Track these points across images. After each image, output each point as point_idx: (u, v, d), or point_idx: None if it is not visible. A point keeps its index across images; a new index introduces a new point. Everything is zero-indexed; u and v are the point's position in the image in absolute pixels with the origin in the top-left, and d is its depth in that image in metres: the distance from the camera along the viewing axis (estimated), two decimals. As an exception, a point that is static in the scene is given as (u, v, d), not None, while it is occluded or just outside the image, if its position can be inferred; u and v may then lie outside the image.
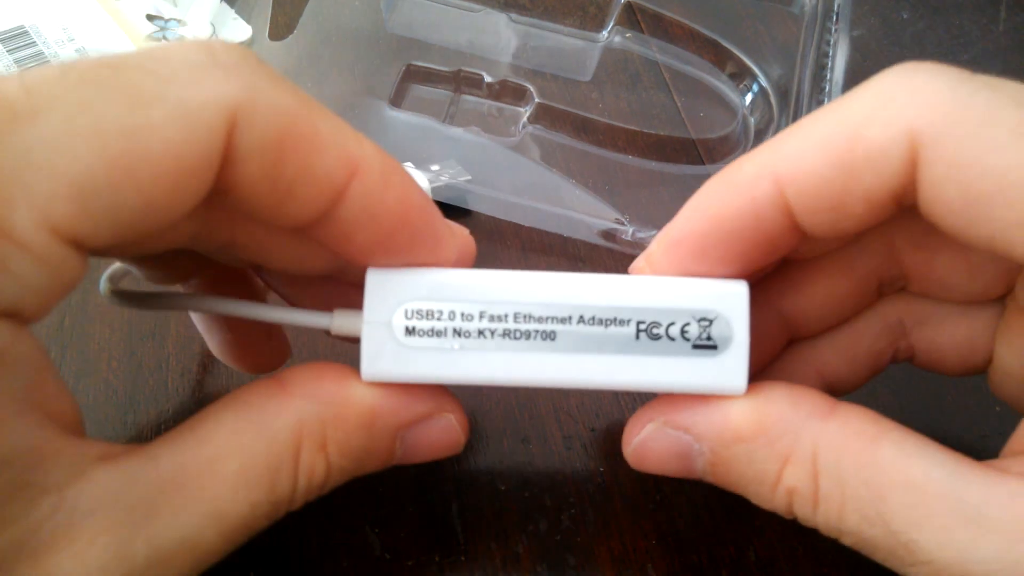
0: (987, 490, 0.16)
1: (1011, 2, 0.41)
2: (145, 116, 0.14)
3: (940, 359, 0.22)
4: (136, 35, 0.35)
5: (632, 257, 0.20)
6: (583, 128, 0.34)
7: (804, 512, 0.18)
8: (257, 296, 0.24)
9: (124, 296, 0.21)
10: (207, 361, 0.26)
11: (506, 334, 0.18)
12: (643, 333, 0.18)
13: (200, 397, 0.25)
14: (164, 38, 0.35)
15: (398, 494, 0.23)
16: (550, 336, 0.18)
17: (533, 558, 0.22)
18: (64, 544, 0.14)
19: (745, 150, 0.34)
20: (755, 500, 0.18)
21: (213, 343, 0.24)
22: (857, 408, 0.18)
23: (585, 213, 0.30)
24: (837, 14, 0.34)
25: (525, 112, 0.34)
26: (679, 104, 0.36)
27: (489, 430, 0.25)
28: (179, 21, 0.36)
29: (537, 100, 0.34)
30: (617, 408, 0.26)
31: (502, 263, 0.30)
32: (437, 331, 0.18)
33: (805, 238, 0.18)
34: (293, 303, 0.23)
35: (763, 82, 0.35)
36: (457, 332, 0.18)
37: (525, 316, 0.18)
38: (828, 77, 0.33)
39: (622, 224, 0.30)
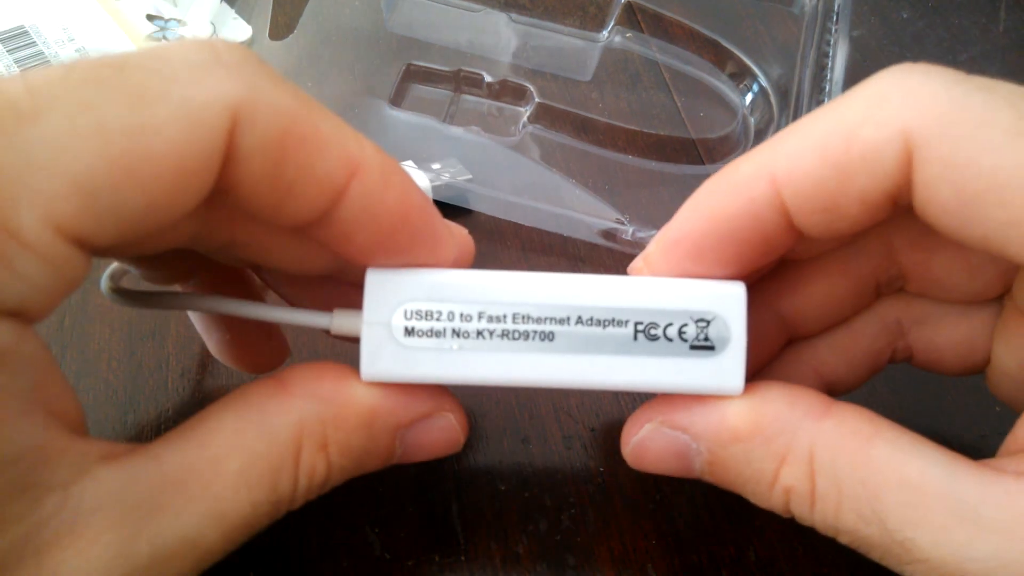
0: (983, 489, 0.16)
1: (1010, 2, 0.41)
2: (148, 115, 0.14)
3: (938, 359, 0.22)
4: (136, 35, 0.35)
5: (632, 257, 0.20)
6: (583, 128, 0.34)
7: (801, 511, 0.18)
8: (255, 296, 0.24)
9: (125, 295, 0.21)
10: (207, 361, 0.26)
11: (505, 335, 0.18)
12: (641, 334, 0.18)
13: (200, 397, 0.25)
14: (164, 38, 0.35)
15: (398, 494, 0.23)
16: (548, 337, 0.18)
17: (533, 558, 0.22)
18: (68, 542, 0.15)
19: (745, 150, 0.34)
20: (752, 499, 0.18)
21: (212, 343, 0.24)
22: (853, 407, 0.18)
23: (585, 213, 0.30)
24: (837, 14, 0.34)
25: (525, 112, 0.34)
26: (679, 104, 0.36)
27: (489, 430, 0.25)
28: (179, 21, 0.36)
29: (537, 100, 0.34)
30: (617, 408, 0.26)
31: (502, 263, 0.30)
32: (436, 331, 0.18)
33: (802, 238, 0.18)
34: (293, 303, 0.23)
35: (763, 82, 0.36)
36: (456, 332, 0.18)
37: (524, 317, 0.18)
38: (828, 77, 0.33)
39: (622, 224, 0.30)
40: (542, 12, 0.37)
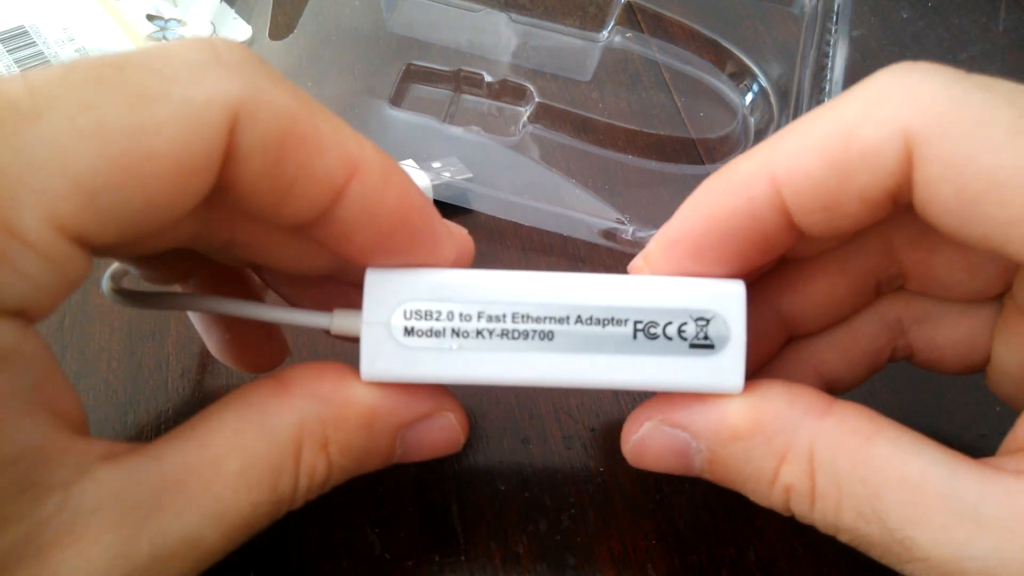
0: (983, 487, 0.16)
1: (1010, 2, 0.41)
2: (148, 115, 0.14)
3: (939, 357, 0.22)
4: (136, 35, 0.35)
5: (632, 257, 0.20)
6: (583, 128, 0.34)
7: (801, 509, 0.18)
8: (255, 296, 0.24)
9: (126, 295, 0.21)
10: (207, 361, 0.26)
11: (504, 334, 0.18)
12: (640, 333, 0.18)
13: (200, 397, 0.25)
14: (164, 38, 0.35)
15: (398, 494, 0.23)
16: (548, 336, 0.18)
17: (533, 558, 0.22)
18: (69, 542, 0.15)
19: (745, 150, 0.34)
20: (752, 497, 0.19)
21: (212, 343, 0.24)
22: (853, 406, 0.18)
23: (585, 213, 0.30)
24: (837, 14, 0.34)
25: (525, 112, 0.34)
26: (679, 104, 0.36)
27: (489, 430, 0.25)
28: (179, 21, 0.36)
29: (537, 100, 0.35)
30: (617, 408, 0.26)
31: (502, 262, 0.30)
32: (436, 331, 0.18)
33: (802, 237, 0.18)
34: (293, 303, 0.23)
35: (763, 82, 0.36)
36: (456, 332, 0.18)
37: (523, 316, 0.18)
38: (828, 77, 0.33)
39: (622, 224, 0.30)
40: (542, 12, 0.37)
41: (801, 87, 0.33)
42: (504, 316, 0.18)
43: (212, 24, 0.36)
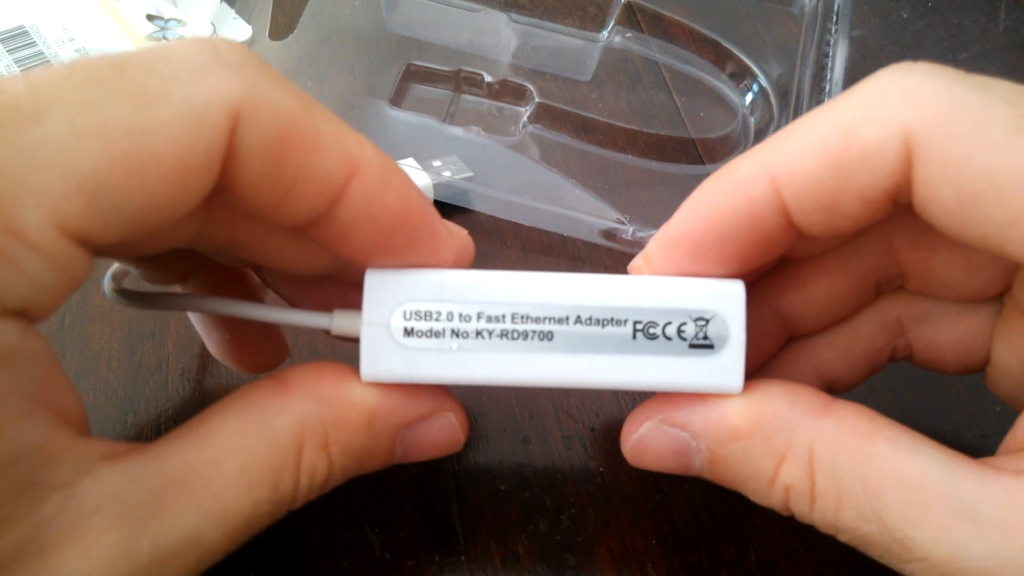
0: (983, 487, 0.16)
1: (1010, 2, 0.41)
2: (150, 115, 0.14)
3: (938, 357, 0.22)
4: (136, 35, 0.35)
5: (632, 257, 0.20)
6: (583, 128, 0.34)
7: (801, 509, 0.18)
8: (255, 296, 0.24)
9: (128, 296, 0.21)
10: (207, 361, 0.26)
11: (504, 335, 0.18)
12: (640, 333, 0.18)
13: (200, 397, 0.25)
14: (164, 38, 0.35)
15: (398, 494, 0.23)
16: (547, 336, 0.18)
17: (533, 558, 0.22)
18: (70, 541, 0.15)
19: (745, 150, 0.34)
20: (752, 497, 0.19)
21: (212, 343, 0.24)
22: (853, 406, 0.18)
23: (585, 213, 0.30)
24: (837, 14, 0.34)
25: (525, 112, 0.34)
26: (679, 104, 0.36)
27: (489, 430, 0.25)
28: (179, 21, 0.36)
29: (537, 100, 0.35)
30: (617, 408, 0.26)
31: (502, 263, 0.30)
32: (435, 332, 0.18)
33: (802, 237, 0.18)
34: (293, 303, 0.23)
35: (763, 82, 0.36)
36: (455, 333, 0.18)
37: (522, 317, 0.18)
38: (828, 77, 0.33)
39: (622, 224, 0.30)
40: (542, 12, 0.37)
41: (801, 87, 0.33)
42: (503, 316, 0.18)
43: (212, 24, 0.36)
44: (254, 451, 0.17)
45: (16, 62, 0.33)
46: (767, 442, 0.18)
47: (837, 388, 0.22)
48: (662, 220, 0.19)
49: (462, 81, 0.35)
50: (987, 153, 0.15)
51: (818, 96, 0.32)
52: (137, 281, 0.22)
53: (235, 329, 0.23)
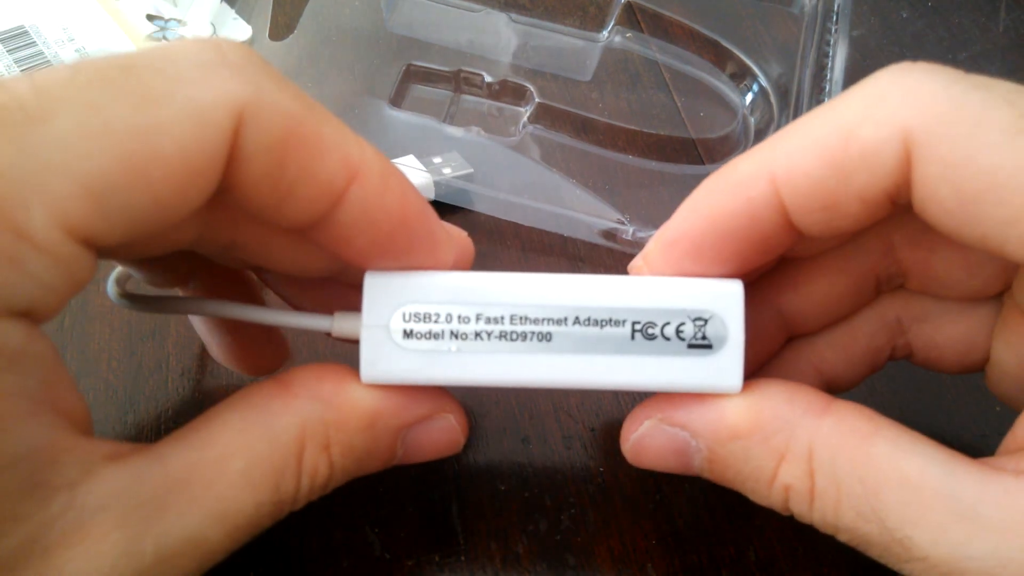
0: (982, 487, 0.16)
1: (1010, 2, 0.41)
2: (154, 116, 0.14)
3: (938, 357, 0.22)
4: (136, 35, 0.35)
5: (632, 257, 0.20)
6: (583, 128, 0.34)
7: (800, 509, 0.18)
8: (254, 298, 0.24)
9: (131, 299, 0.21)
10: (207, 361, 0.26)
11: (502, 336, 0.18)
12: (638, 333, 0.18)
13: (200, 397, 0.25)
14: (164, 38, 0.35)
15: (398, 494, 0.23)
16: (546, 337, 0.18)
17: (533, 558, 0.22)
18: (75, 541, 0.15)
19: (745, 150, 0.34)
20: (752, 496, 0.19)
21: (213, 346, 0.24)
22: (852, 405, 0.18)
23: (585, 213, 0.30)
24: (837, 14, 0.34)
25: (525, 112, 0.34)
26: (679, 104, 0.36)
27: (489, 430, 0.25)
28: (179, 21, 0.36)
29: (537, 100, 0.35)
30: (617, 408, 0.26)
31: (502, 263, 0.30)
32: (434, 334, 0.18)
33: (801, 237, 0.18)
34: (295, 304, 0.23)
35: (763, 82, 0.36)
36: (454, 335, 0.18)
37: (521, 318, 0.18)
38: (828, 77, 0.33)
39: (622, 224, 0.30)
40: (542, 12, 0.37)
41: (801, 87, 0.33)
42: (502, 318, 0.18)
43: (212, 24, 0.36)
44: (256, 452, 0.17)
45: (16, 62, 0.33)
46: (766, 442, 0.18)
47: (837, 387, 0.22)
48: (662, 220, 0.19)
49: (462, 81, 0.35)
50: (987, 153, 0.15)
51: (818, 96, 0.32)
52: (139, 284, 0.22)
53: (236, 332, 0.23)
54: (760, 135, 0.34)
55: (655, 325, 0.18)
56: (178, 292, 0.23)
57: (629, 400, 0.26)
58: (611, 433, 0.25)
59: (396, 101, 0.34)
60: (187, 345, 0.26)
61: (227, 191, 0.16)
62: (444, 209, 0.31)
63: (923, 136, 0.16)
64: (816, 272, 0.21)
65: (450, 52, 0.36)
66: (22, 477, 0.14)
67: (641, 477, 0.24)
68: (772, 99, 0.35)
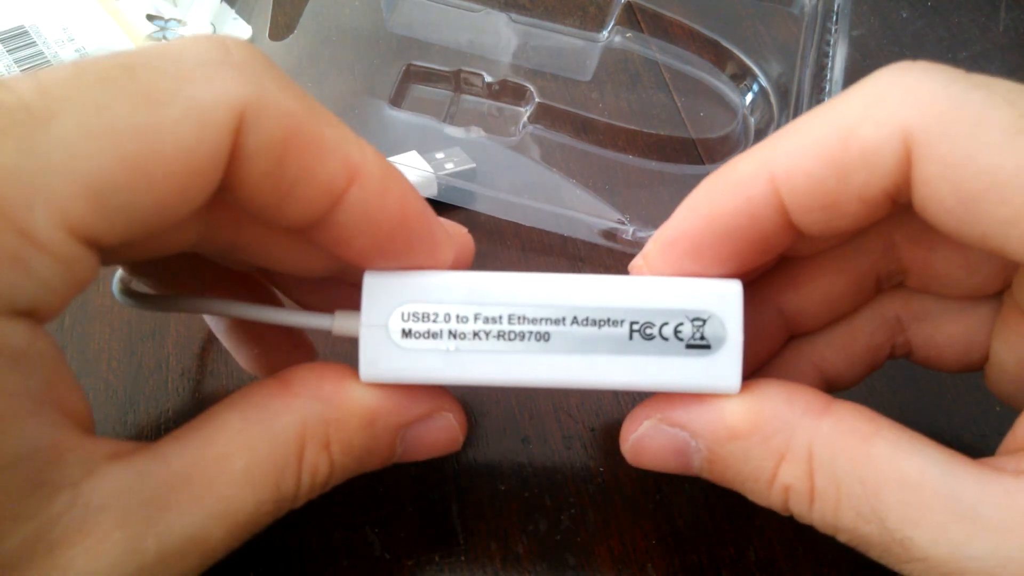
0: (982, 487, 0.16)
1: (1010, 2, 0.41)
2: (158, 116, 0.14)
3: (937, 355, 0.22)
4: (136, 35, 0.35)
5: (632, 257, 0.20)
6: (583, 128, 0.34)
7: (800, 509, 0.18)
8: (265, 302, 0.24)
9: (135, 297, 0.21)
10: (207, 361, 0.26)
11: (500, 335, 0.18)
12: (636, 333, 0.18)
13: (200, 397, 0.25)
14: (164, 38, 0.35)
15: (398, 494, 0.23)
16: (544, 337, 0.18)
17: (533, 558, 0.22)
18: (78, 539, 0.15)
19: (745, 150, 0.34)
20: (751, 497, 0.19)
21: (242, 358, 0.24)
22: (852, 405, 0.18)
23: (585, 213, 0.30)
24: (837, 14, 0.34)
25: (525, 112, 0.34)
26: (679, 104, 0.36)
27: (489, 430, 0.25)
28: (179, 21, 0.36)
29: (537, 100, 0.35)
30: (617, 408, 0.26)
31: (502, 263, 0.30)
32: (433, 333, 0.18)
33: (801, 236, 0.18)
34: (304, 304, 0.23)
35: (763, 82, 0.36)
36: (452, 334, 0.18)
37: (519, 318, 0.18)
38: (828, 77, 0.33)
39: (622, 224, 0.30)
40: (542, 12, 0.37)
41: (801, 87, 0.33)
42: (500, 318, 0.18)
43: (212, 24, 0.36)
44: (257, 450, 0.17)
45: (16, 62, 0.33)
46: (766, 442, 0.18)
47: (837, 386, 0.22)
48: (662, 220, 0.19)
49: (462, 81, 0.35)
50: (987, 153, 0.15)
51: (818, 96, 0.32)
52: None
53: (263, 343, 0.23)
54: (760, 135, 0.34)
55: (653, 325, 0.18)
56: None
57: (629, 400, 0.26)
58: (611, 433, 0.25)
59: (396, 101, 0.34)
60: (187, 345, 0.26)
61: (228, 191, 0.16)
62: (444, 208, 0.31)
63: (923, 135, 0.16)
64: (816, 271, 0.21)
65: (450, 52, 0.36)
66: (25, 476, 0.14)
67: (641, 477, 0.24)
68: (772, 99, 0.35)
